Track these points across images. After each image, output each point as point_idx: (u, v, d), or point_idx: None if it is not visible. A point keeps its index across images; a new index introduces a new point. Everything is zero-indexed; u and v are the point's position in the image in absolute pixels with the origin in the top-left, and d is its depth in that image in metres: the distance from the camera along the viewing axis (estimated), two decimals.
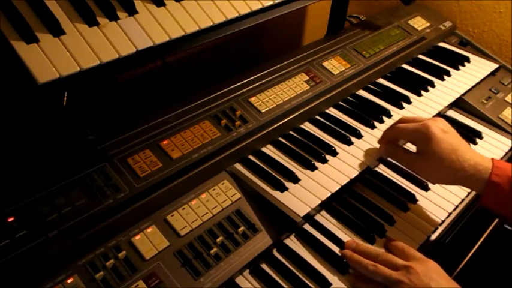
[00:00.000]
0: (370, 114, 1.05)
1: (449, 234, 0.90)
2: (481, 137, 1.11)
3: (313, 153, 0.93)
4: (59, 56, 0.68)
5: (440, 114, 1.16)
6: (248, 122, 0.93)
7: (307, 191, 0.85)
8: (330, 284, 0.76)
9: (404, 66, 1.26)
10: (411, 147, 0.92)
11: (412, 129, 0.87)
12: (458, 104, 1.20)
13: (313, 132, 0.99)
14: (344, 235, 0.84)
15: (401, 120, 0.94)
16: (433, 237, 0.88)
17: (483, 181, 0.81)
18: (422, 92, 1.16)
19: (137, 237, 0.73)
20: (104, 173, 0.76)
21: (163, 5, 0.81)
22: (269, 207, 0.83)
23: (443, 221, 0.90)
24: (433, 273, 0.72)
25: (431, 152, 0.83)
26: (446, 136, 0.84)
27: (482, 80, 1.25)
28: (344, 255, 0.79)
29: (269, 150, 0.94)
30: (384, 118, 1.06)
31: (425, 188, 0.95)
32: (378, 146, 0.96)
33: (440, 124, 0.86)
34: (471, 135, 1.11)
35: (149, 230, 0.74)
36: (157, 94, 1.07)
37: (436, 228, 0.89)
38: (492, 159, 0.83)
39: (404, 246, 0.79)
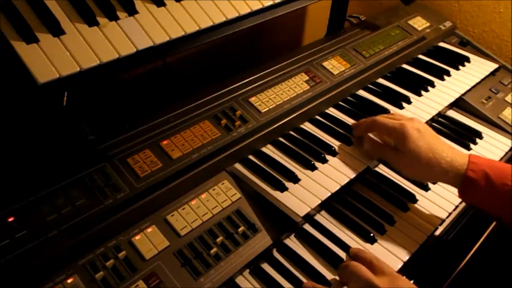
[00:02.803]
0: (370, 114, 1.05)
1: (450, 234, 0.90)
2: (481, 137, 1.11)
3: (313, 153, 0.93)
4: (59, 56, 0.68)
5: (440, 114, 1.16)
6: (248, 122, 0.93)
7: (307, 191, 0.85)
8: (330, 284, 0.76)
9: (404, 66, 1.26)
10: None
11: (390, 126, 0.88)
12: (458, 104, 1.20)
13: (313, 132, 0.99)
14: (344, 235, 0.84)
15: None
16: (433, 237, 0.88)
17: (460, 177, 0.82)
18: (422, 92, 1.16)
19: (137, 237, 0.73)
20: (104, 173, 0.76)
21: (163, 5, 0.81)
22: (269, 207, 0.83)
23: (443, 221, 0.90)
24: None
25: (408, 151, 0.85)
26: (422, 135, 0.85)
27: (482, 80, 1.25)
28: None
29: (269, 150, 0.94)
30: None
31: (425, 188, 0.95)
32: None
33: (416, 124, 0.87)
34: (471, 135, 1.11)
35: (149, 230, 0.74)
36: (157, 94, 1.06)
37: (436, 228, 0.89)
38: (469, 155, 0.84)
39: (372, 258, 0.74)
